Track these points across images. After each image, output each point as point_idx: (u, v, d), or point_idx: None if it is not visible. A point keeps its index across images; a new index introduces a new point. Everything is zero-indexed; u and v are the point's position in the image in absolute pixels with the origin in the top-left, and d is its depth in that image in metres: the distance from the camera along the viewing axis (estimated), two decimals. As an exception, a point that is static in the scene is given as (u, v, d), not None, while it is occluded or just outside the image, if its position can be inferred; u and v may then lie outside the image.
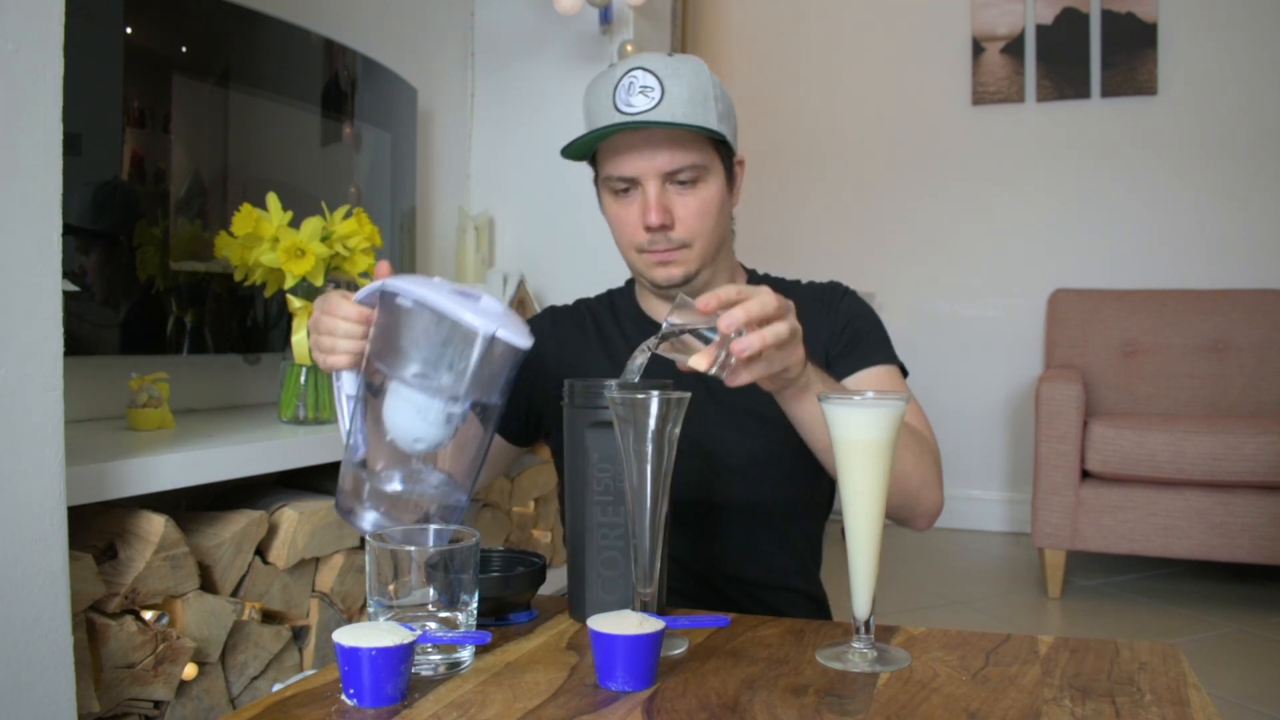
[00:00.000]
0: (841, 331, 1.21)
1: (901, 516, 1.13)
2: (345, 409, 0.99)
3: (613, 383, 0.89)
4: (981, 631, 0.92)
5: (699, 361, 0.86)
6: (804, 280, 1.30)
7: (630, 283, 1.33)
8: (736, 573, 1.19)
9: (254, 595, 1.44)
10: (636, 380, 0.88)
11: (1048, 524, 2.90)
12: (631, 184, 1.13)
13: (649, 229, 1.12)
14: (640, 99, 1.09)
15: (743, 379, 0.88)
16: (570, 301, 1.36)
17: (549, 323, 1.32)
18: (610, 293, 1.35)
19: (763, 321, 0.85)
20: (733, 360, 0.86)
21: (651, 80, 1.09)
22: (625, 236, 1.17)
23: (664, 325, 0.87)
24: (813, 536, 1.26)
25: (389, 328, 0.89)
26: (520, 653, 0.85)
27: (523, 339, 0.86)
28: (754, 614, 1.00)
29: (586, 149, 1.17)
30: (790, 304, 0.90)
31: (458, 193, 2.96)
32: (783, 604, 1.20)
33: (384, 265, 0.95)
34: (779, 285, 1.27)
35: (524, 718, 0.71)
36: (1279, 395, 3.21)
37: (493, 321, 0.84)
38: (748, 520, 1.18)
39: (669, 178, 1.12)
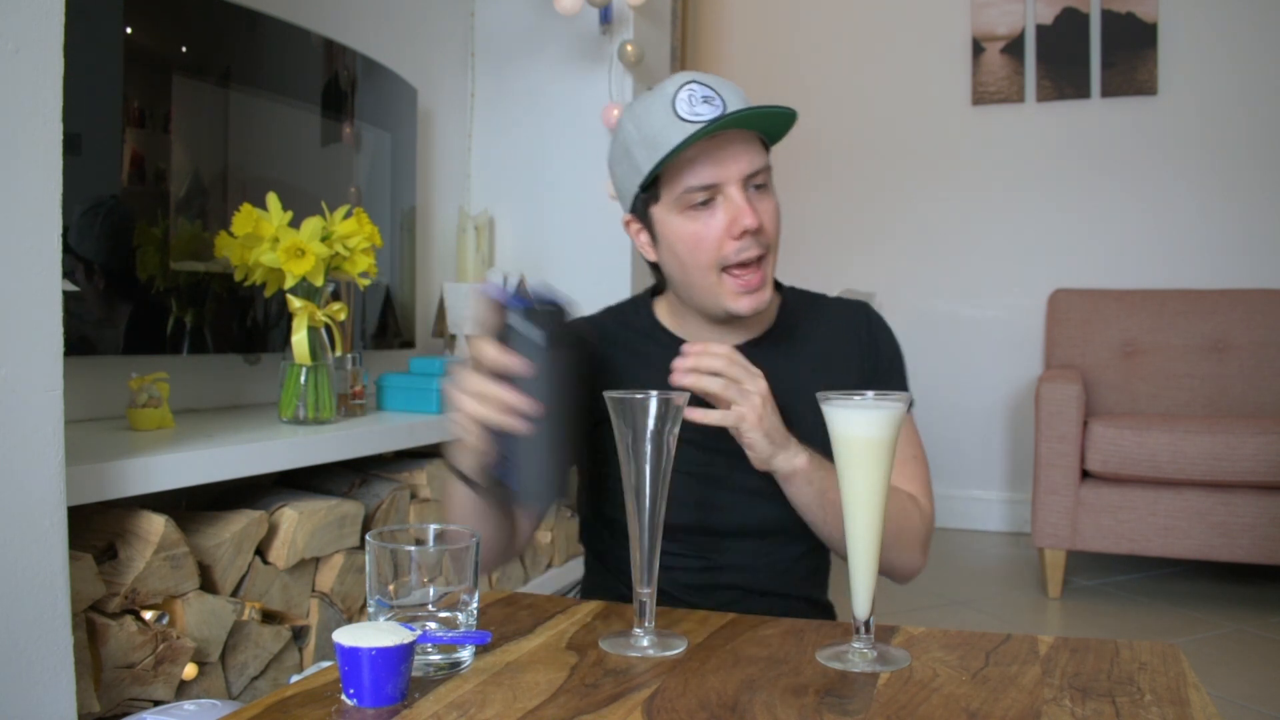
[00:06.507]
0: (873, 360, 1.20)
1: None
2: None
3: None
4: (981, 631, 0.91)
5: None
6: (832, 295, 1.30)
7: (641, 301, 1.25)
8: (741, 582, 1.17)
9: (254, 595, 1.44)
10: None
11: (1048, 524, 2.90)
12: (712, 195, 1.07)
13: (745, 232, 1.06)
14: (706, 108, 1.05)
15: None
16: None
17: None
18: (619, 309, 1.27)
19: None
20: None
21: (709, 91, 1.07)
22: (707, 255, 1.08)
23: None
24: (820, 547, 1.24)
25: None
26: (520, 653, 0.84)
27: None
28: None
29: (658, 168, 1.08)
30: (740, 367, 1.01)
31: (458, 193, 2.96)
32: (790, 611, 1.18)
33: None
34: (807, 298, 1.26)
35: (524, 718, 0.71)
36: (1279, 395, 3.20)
37: None
38: (754, 540, 1.16)
39: (748, 181, 1.08)
